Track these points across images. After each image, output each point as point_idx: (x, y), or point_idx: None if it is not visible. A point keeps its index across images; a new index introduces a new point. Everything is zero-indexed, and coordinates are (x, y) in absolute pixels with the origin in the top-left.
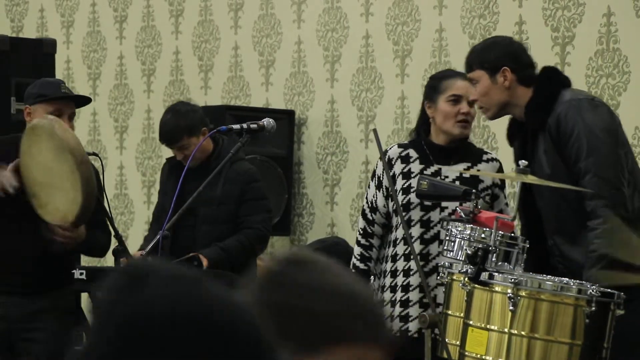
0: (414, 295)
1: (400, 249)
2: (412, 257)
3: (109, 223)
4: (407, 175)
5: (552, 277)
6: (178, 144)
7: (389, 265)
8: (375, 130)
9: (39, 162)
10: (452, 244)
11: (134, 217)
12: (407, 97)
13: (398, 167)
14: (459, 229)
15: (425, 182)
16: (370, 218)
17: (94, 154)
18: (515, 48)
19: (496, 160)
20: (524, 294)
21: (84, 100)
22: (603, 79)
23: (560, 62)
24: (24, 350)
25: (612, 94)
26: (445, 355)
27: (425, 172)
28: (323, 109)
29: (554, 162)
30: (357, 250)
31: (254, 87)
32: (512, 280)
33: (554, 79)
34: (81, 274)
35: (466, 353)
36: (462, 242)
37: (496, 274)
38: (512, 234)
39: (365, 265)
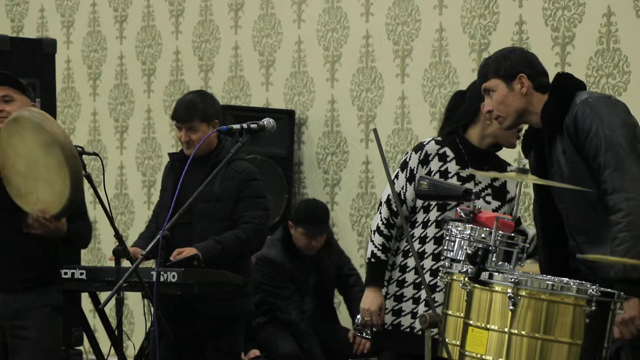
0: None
1: (429, 247)
2: (425, 256)
3: (109, 223)
4: (444, 174)
5: (552, 277)
6: (188, 124)
7: (409, 261)
8: (375, 130)
9: (20, 152)
10: (452, 243)
11: (134, 217)
12: (407, 97)
13: (435, 165)
14: (459, 228)
15: (426, 182)
16: (395, 209)
17: (94, 153)
18: (529, 56)
19: None
20: (524, 293)
21: (12, 80)
22: (603, 79)
23: (560, 62)
24: (14, 347)
25: (612, 94)
26: (445, 355)
27: (460, 174)
28: (323, 109)
29: (573, 161)
30: (378, 239)
31: (254, 87)
32: (512, 279)
33: (568, 83)
34: (81, 274)
35: (466, 353)
36: (462, 242)
37: (496, 273)
38: (512, 234)
39: (386, 256)
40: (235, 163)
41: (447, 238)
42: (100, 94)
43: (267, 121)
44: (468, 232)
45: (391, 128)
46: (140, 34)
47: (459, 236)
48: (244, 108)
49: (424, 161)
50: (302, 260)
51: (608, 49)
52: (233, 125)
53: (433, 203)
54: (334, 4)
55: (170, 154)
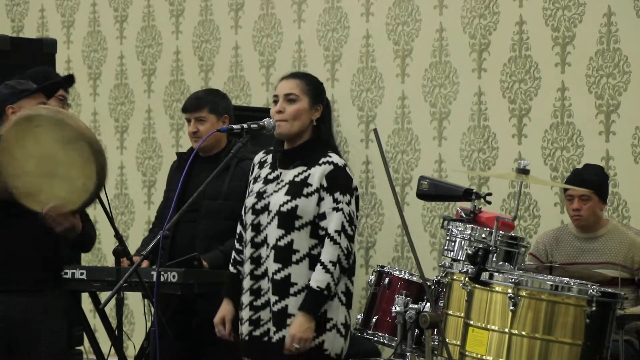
0: (245, 299)
1: (247, 251)
2: (247, 260)
3: (109, 223)
4: (255, 180)
5: (553, 277)
6: (197, 114)
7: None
8: (375, 130)
9: (32, 152)
10: (453, 244)
11: (134, 217)
12: (407, 97)
13: (255, 173)
14: (460, 229)
15: (426, 182)
16: (242, 220)
17: None
18: None
19: (329, 163)
20: (524, 293)
21: (70, 81)
22: (603, 79)
23: (560, 62)
24: (23, 349)
25: (612, 94)
26: (445, 355)
27: (269, 177)
28: None
29: None
30: (232, 254)
31: (254, 87)
32: (513, 280)
33: None
34: (81, 274)
35: (466, 353)
36: (463, 242)
37: (496, 273)
38: (513, 234)
39: (235, 269)
40: (245, 163)
41: (448, 238)
42: (100, 94)
43: (268, 121)
44: (468, 232)
45: (391, 128)
46: (140, 34)
47: (459, 236)
48: (244, 108)
49: (252, 172)
50: None
51: (608, 49)
52: (233, 125)
53: (249, 222)
54: (334, 4)
55: (178, 154)
